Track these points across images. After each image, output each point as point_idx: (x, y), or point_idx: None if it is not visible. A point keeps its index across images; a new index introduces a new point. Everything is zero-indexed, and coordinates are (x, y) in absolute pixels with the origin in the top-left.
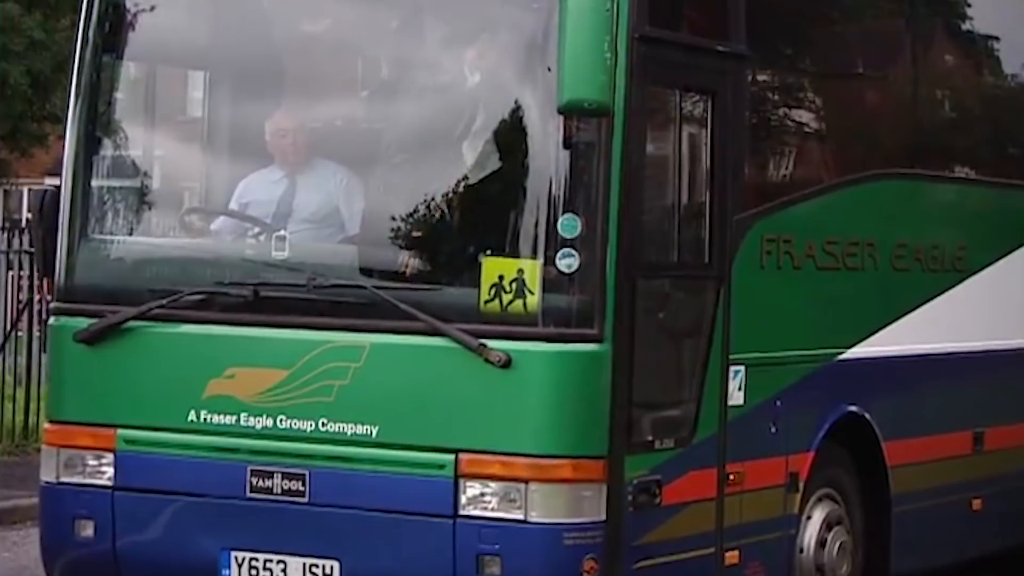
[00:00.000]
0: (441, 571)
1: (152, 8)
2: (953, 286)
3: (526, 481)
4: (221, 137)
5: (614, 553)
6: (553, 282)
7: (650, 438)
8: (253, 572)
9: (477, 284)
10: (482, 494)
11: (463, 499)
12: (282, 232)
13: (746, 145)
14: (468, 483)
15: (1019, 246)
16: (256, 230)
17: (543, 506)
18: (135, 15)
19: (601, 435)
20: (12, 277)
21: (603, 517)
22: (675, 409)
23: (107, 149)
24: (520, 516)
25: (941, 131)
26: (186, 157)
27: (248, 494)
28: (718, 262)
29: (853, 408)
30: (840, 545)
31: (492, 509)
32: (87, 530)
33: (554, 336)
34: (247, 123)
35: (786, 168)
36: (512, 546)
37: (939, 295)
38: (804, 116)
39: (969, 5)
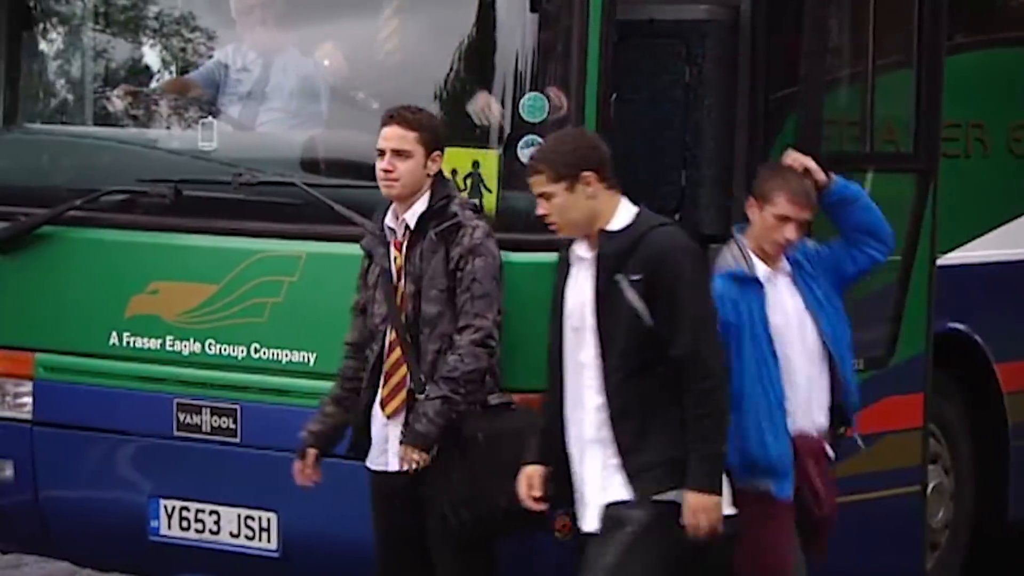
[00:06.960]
0: None
1: None
2: None
3: None
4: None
5: None
6: (515, 176)
7: None
8: (184, 524)
9: None
10: None
11: None
12: (208, 118)
13: None
14: None
15: None
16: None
17: None
18: None
19: None
20: None
21: None
22: None
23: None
24: None
25: None
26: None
27: (176, 432)
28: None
29: (956, 325)
30: (933, 488)
31: None
32: (6, 470)
33: (513, 243)
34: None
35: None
36: None
37: None
38: None
39: None
